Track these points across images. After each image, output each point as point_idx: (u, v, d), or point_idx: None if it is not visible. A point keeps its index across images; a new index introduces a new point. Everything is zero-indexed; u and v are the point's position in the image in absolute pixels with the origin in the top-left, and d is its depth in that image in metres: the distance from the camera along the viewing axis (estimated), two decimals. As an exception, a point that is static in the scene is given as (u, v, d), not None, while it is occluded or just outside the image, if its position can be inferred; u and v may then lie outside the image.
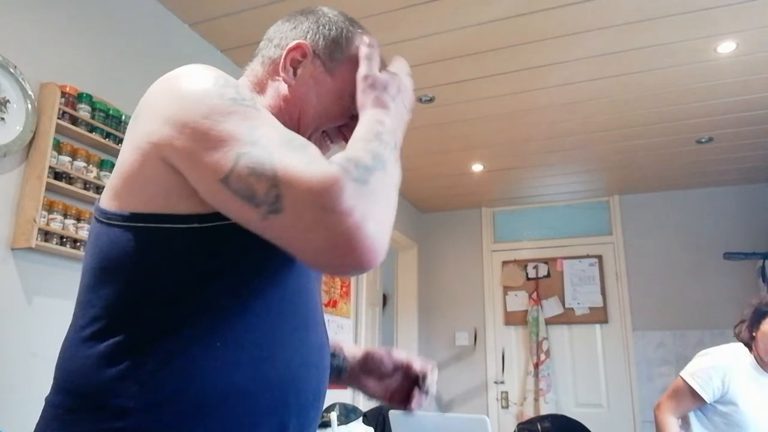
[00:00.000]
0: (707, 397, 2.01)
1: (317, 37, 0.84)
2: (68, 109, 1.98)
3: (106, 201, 0.74)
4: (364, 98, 0.79)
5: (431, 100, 3.26)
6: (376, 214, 0.63)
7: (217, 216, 0.68)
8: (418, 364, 1.00)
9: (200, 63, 0.76)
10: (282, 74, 0.83)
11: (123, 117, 2.18)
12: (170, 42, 2.56)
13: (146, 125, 0.70)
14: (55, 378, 0.73)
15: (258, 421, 0.69)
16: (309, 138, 0.82)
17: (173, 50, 2.56)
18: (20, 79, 1.87)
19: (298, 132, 0.75)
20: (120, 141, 2.15)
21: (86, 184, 2.02)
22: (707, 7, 2.45)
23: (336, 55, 0.84)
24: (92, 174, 2.04)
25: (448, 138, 3.80)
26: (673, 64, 2.88)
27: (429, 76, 3.03)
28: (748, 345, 2.08)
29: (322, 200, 0.60)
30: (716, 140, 3.72)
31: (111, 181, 0.74)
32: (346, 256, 0.62)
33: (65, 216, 1.94)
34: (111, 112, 2.14)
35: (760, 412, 1.98)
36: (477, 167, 4.30)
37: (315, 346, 0.79)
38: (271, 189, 0.62)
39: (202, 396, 0.66)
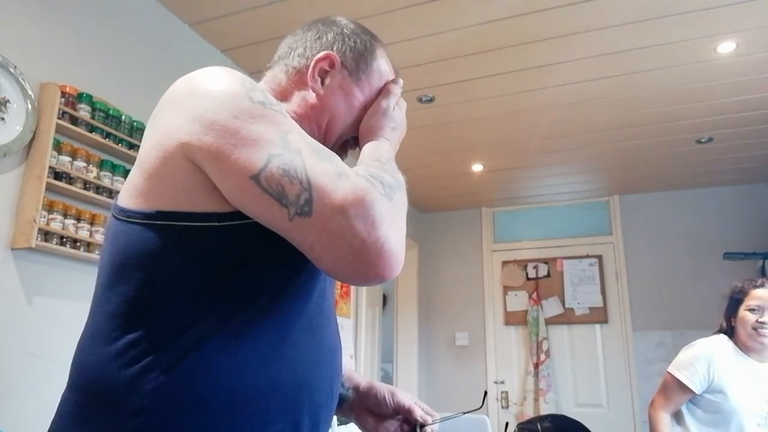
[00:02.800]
0: (695, 387, 2.05)
1: (344, 48, 0.86)
2: (68, 109, 1.98)
3: (126, 199, 0.74)
4: (378, 125, 0.84)
5: (431, 100, 3.26)
6: (398, 229, 0.67)
7: (236, 215, 0.69)
8: (419, 412, 0.99)
9: (200, 63, 0.76)
10: (310, 83, 0.84)
11: (123, 117, 2.18)
12: (170, 42, 2.55)
13: (170, 123, 0.70)
14: (70, 375, 0.73)
15: (271, 419, 0.70)
16: (332, 147, 0.84)
17: (173, 50, 2.56)
18: (20, 79, 1.87)
19: (323, 140, 0.78)
20: (120, 141, 2.16)
21: (86, 184, 2.02)
22: (707, 7, 2.45)
23: (361, 66, 0.87)
24: (92, 174, 2.04)
25: (448, 138, 3.79)
26: (673, 64, 2.88)
27: (429, 76, 3.02)
28: (728, 334, 2.14)
29: (354, 209, 0.63)
30: (716, 140, 3.72)
31: (132, 179, 0.75)
32: (370, 265, 0.64)
33: (65, 216, 1.94)
34: (111, 112, 2.14)
35: (747, 396, 2.01)
36: (477, 167, 4.30)
37: (328, 347, 0.80)
38: (303, 192, 0.64)
39: (216, 394, 0.66)
